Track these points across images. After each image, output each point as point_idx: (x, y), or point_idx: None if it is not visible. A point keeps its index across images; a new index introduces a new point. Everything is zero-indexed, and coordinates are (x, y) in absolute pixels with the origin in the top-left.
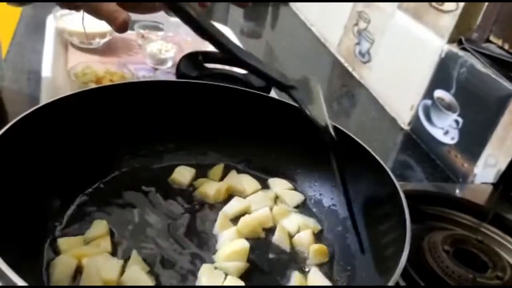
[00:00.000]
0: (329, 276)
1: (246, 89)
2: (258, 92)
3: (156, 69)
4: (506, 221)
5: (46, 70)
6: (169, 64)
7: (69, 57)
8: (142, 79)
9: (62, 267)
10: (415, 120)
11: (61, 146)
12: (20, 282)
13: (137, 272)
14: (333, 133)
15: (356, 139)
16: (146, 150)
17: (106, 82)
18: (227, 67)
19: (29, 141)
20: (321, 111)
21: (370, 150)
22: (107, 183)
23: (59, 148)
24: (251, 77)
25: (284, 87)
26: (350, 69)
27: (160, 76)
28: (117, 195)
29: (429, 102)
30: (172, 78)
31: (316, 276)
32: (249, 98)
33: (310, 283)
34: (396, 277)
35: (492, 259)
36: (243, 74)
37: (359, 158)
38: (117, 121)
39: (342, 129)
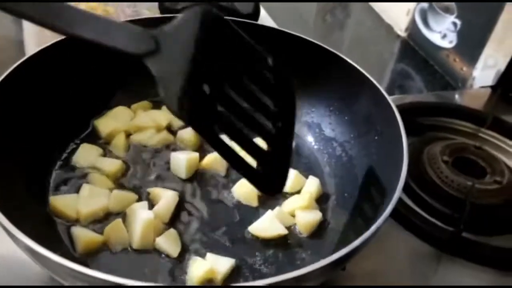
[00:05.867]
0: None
1: (233, 18)
2: (246, 20)
3: None
4: (505, 124)
5: None
6: None
7: None
8: (124, 17)
9: None
10: (412, 25)
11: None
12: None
13: None
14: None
15: (348, 60)
16: (136, 88)
17: None
18: None
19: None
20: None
21: (364, 71)
22: None
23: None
24: (237, 4)
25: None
26: None
27: (144, 5)
28: None
29: (425, 5)
30: (156, 9)
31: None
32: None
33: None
34: (395, 199)
35: (490, 164)
36: (229, 3)
37: (353, 79)
38: (106, 61)
39: (335, 51)
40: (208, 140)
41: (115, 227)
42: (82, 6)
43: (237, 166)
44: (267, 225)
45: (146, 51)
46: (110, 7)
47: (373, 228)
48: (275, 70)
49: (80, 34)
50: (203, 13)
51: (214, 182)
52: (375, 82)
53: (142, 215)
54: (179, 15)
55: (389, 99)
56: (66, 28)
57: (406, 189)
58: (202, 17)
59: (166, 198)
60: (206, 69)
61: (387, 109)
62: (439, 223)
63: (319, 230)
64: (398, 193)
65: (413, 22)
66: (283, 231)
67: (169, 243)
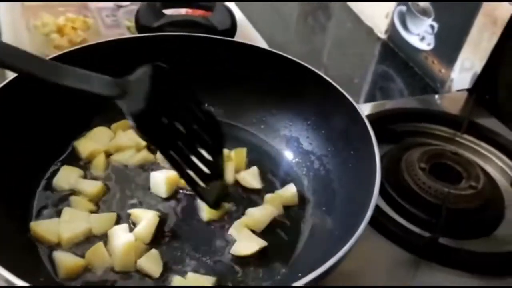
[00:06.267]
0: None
1: (210, 35)
2: (222, 38)
3: (119, 7)
4: (480, 128)
5: (5, 28)
6: None
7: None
8: (105, 26)
9: None
10: (392, 28)
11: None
12: None
13: None
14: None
15: (325, 76)
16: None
17: (69, 31)
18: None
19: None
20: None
21: (337, 85)
22: None
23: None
24: (213, 20)
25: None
26: None
27: (124, 16)
28: None
29: (404, 8)
30: None
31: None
32: (214, 44)
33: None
34: (369, 213)
35: (466, 169)
36: (205, 18)
37: (329, 96)
38: None
39: (311, 68)
40: (168, 160)
41: (96, 250)
42: (62, 18)
43: (188, 181)
44: (246, 243)
45: (116, 94)
46: (90, 19)
47: (346, 247)
48: (207, 112)
49: (67, 84)
50: (155, 66)
51: (194, 200)
52: (351, 99)
53: (122, 238)
54: (138, 69)
55: (364, 116)
56: (58, 80)
57: (385, 196)
58: (154, 69)
59: (147, 219)
60: (161, 107)
61: (362, 125)
62: (416, 230)
63: (298, 243)
64: (371, 208)
65: (392, 24)
66: (263, 244)
67: (150, 264)
